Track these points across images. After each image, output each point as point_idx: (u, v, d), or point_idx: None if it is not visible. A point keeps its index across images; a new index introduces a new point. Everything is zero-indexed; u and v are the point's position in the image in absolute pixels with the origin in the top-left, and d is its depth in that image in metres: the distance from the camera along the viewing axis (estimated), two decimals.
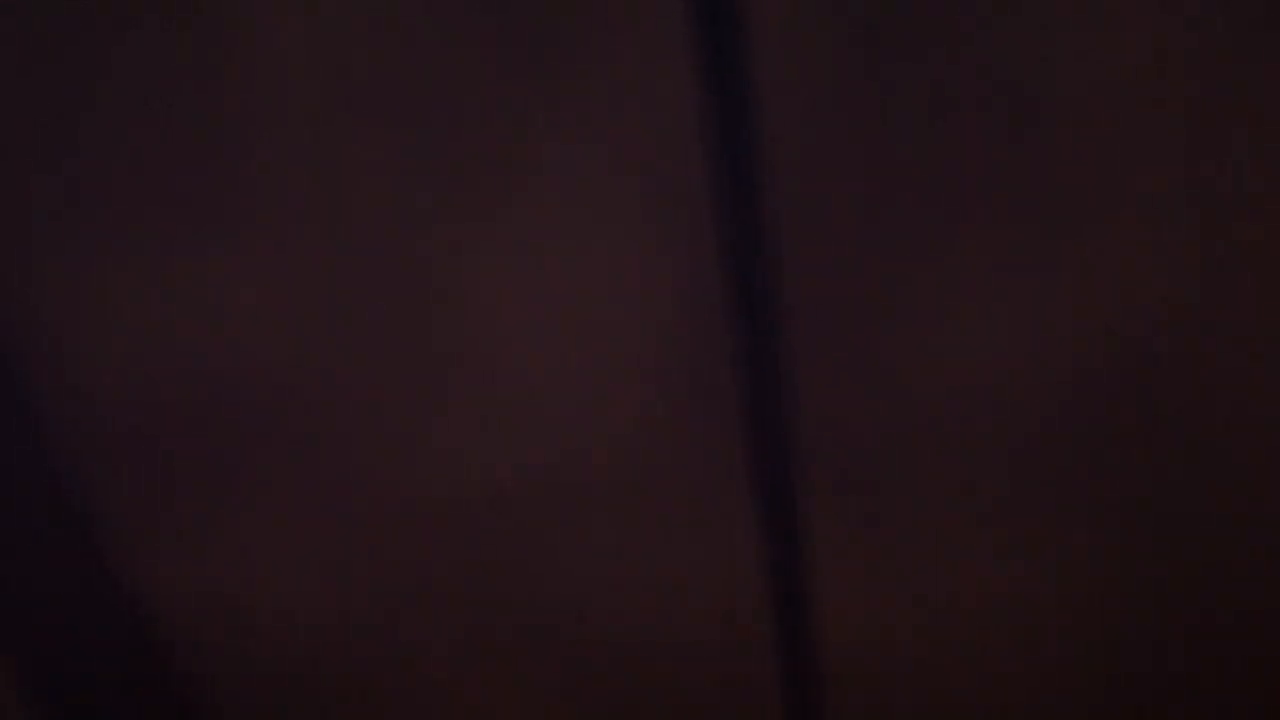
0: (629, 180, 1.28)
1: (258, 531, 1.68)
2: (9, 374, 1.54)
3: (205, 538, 1.70)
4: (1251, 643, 1.54)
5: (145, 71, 1.28)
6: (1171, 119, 1.16)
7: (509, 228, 1.34)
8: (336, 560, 1.70)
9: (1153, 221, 1.23)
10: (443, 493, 1.60)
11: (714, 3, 1.10)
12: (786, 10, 1.14)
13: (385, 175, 1.33)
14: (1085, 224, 1.23)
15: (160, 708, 1.84)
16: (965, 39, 1.14)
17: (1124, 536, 1.47)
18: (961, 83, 1.16)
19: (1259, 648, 1.54)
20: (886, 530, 1.50)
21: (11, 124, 1.35)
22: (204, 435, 1.59)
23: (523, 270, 1.37)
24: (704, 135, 1.22)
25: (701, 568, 1.60)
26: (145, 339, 1.52)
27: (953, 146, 1.20)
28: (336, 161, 1.33)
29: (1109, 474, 1.41)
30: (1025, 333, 1.32)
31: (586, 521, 1.58)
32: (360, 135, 1.30)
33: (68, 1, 1.23)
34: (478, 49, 1.22)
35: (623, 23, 1.17)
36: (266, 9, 1.22)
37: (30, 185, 1.40)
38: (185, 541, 1.71)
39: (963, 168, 1.21)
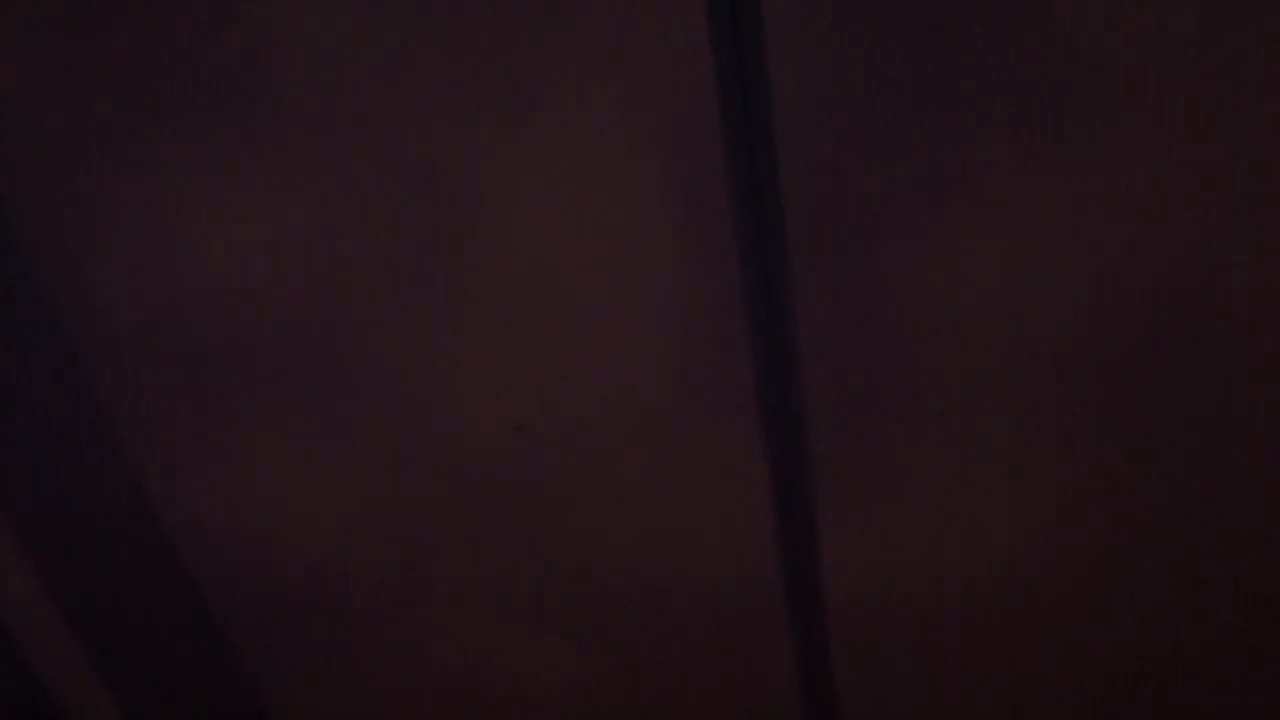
0: (642, 119, 1.28)
1: (275, 454, 1.69)
2: (35, 292, 1.56)
3: (224, 457, 1.71)
4: (1269, 568, 1.53)
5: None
6: (1200, 33, 1.14)
7: (530, 152, 1.34)
8: (351, 488, 1.71)
9: (1177, 139, 1.21)
10: (458, 426, 1.60)
11: None
12: None
13: (411, 100, 1.33)
14: (1104, 140, 1.22)
15: (182, 613, 1.87)
16: None
17: (1132, 468, 1.46)
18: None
19: (1276, 570, 1.53)
20: (892, 462, 1.50)
21: (42, 51, 1.36)
22: (225, 357, 1.60)
23: (541, 209, 1.37)
24: (715, 47, 1.21)
25: (711, 501, 1.60)
26: (168, 260, 1.52)
27: (967, 59, 1.19)
28: (362, 83, 1.32)
29: (1119, 403, 1.40)
30: (1036, 258, 1.31)
31: (598, 455, 1.58)
32: (386, 60, 1.30)
33: None
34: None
35: None
36: None
37: (57, 111, 1.40)
38: (206, 459, 1.72)
39: (978, 82, 1.20)
